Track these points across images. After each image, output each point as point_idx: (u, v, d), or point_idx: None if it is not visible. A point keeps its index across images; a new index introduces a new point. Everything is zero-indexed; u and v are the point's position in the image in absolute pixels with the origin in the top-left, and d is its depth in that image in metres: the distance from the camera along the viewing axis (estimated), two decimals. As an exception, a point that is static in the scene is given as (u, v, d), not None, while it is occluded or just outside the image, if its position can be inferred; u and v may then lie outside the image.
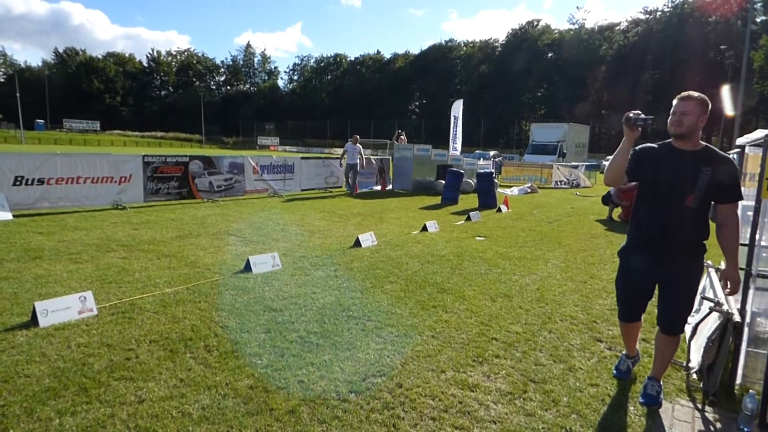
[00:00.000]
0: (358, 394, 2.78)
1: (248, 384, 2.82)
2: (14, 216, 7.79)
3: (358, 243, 6.73)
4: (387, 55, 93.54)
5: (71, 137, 66.39)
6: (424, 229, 8.23)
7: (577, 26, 72.15)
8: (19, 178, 8.24)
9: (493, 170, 15.00)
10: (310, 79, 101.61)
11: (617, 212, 10.80)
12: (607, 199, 10.95)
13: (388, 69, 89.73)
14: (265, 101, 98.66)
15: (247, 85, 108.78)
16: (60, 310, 3.58)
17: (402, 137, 17.66)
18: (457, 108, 19.34)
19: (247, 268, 5.19)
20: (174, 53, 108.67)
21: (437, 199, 13.26)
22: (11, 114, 64.61)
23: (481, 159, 22.12)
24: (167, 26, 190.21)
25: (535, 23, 75.90)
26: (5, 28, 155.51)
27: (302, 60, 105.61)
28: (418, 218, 9.77)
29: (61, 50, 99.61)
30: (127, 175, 9.71)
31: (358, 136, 14.42)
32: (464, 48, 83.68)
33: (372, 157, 17.86)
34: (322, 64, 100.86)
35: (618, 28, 67.72)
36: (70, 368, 2.90)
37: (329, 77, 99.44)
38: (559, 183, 20.36)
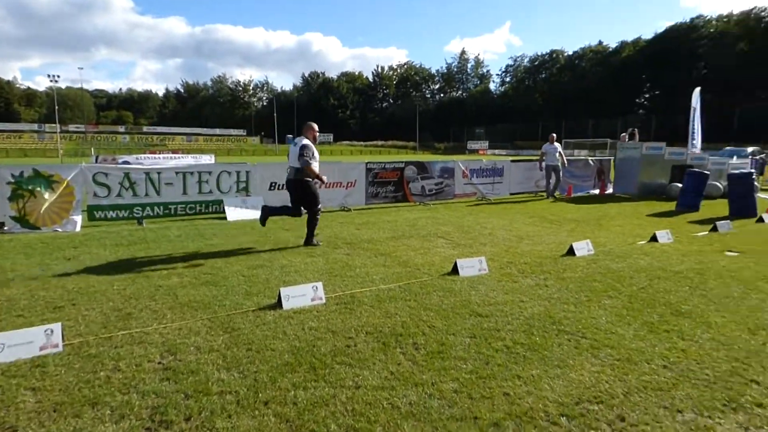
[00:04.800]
0: (571, 419, 2.52)
1: (453, 387, 2.83)
2: (270, 214, 9.56)
3: (571, 251, 6.19)
4: (611, 45, 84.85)
5: (312, 149, 78.56)
6: (654, 239, 7.12)
7: None
8: (273, 184, 10.08)
9: (752, 170, 12.08)
10: (523, 80, 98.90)
11: None
12: None
13: (611, 60, 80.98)
14: (476, 105, 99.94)
15: (460, 91, 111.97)
16: (298, 296, 4.20)
17: (625, 135, 15.68)
18: (696, 98, 16.23)
19: (455, 270, 5.26)
20: (395, 67, 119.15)
21: (671, 206, 11.34)
22: (271, 131, 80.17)
23: (735, 157, 18.07)
24: (387, 43, 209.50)
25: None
26: (265, 61, 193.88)
27: (515, 61, 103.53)
28: (645, 227, 8.52)
29: (306, 74, 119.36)
30: (353, 180, 10.95)
31: (554, 135, 13.45)
32: (714, 25, 69.93)
33: (589, 158, 16.36)
34: (536, 63, 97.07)
35: None
36: (303, 348, 3.36)
37: (543, 75, 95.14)
38: None
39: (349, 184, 10.91)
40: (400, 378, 2.94)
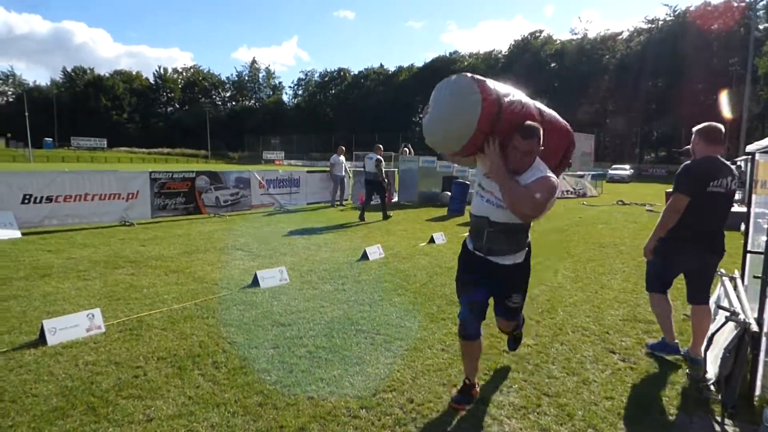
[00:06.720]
0: (369, 409, 2.74)
1: (257, 401, 2.79)
2: (23, 234, 7.85)
3: (365, 256, 6.70)
4: (391, 68, 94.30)
5: (79, 155, 66.97)
6: (432, 241, 8.19)
7: (579, 36, 72.42)
8: (27, 197, 8.31)
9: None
10: (315, 94, 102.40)
11: None
12: None
13: (392, 82, 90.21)
14: (270, 116, 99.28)
15: (252, 101, 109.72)
16: (68, 327, 3.57)
17: (405, 149, 17.68)
18: None
19: (255, 282, 5.17)
20: (180, 70, 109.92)
21: (443, 211, 13.22)
22: (20, 133, 65.15)
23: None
24: (169, 43, 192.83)
25: (537, 34, 76.30)
26: (8, 48, 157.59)
27: (306, 75, 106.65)
28: (425, 230, 9.73)
29: (69, 69, 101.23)
30: (135, 191, 9.76)
31: (343, 148, 14.62)
32: (468, 59, 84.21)
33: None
34: (326, 79, 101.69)
35: (620, 37, 67.86)
36: (78, 387, 2.88)
37: (333, 91, 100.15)
38: (565, 193, 20.29)
39: (131, 196, 9.69)
40: (199, 401, 2.76)
